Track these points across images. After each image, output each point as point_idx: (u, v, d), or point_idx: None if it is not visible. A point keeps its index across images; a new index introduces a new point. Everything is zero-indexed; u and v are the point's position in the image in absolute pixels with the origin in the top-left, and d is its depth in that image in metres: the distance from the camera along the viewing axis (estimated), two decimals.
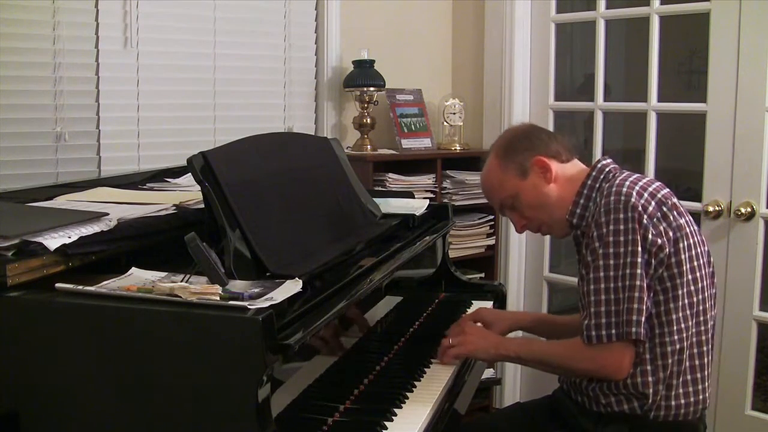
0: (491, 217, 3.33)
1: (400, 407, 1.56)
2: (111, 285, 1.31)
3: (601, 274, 1.63)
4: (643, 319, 1.61)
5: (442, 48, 3.58)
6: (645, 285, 1.62)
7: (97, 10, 2.55)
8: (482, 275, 3.32)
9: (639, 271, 1.61)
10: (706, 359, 1.72)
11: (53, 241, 1.35)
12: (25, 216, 1.53)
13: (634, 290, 1.61)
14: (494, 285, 2.48)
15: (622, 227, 1.62)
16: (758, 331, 2.73)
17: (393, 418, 1.51)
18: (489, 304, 2.34)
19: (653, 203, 1.66)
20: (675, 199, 1.73)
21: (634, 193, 1.64)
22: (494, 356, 1.81)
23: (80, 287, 1.29)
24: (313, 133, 3.12)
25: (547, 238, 3.37)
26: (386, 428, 1.47)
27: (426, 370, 1.78)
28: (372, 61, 3.11)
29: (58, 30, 2.47)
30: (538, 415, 1.91)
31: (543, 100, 3.34)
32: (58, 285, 1.30)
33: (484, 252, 3.34)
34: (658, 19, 2.90)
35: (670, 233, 1.65)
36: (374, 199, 2.10)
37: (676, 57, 3.94)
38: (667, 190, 1.74)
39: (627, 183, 1.68)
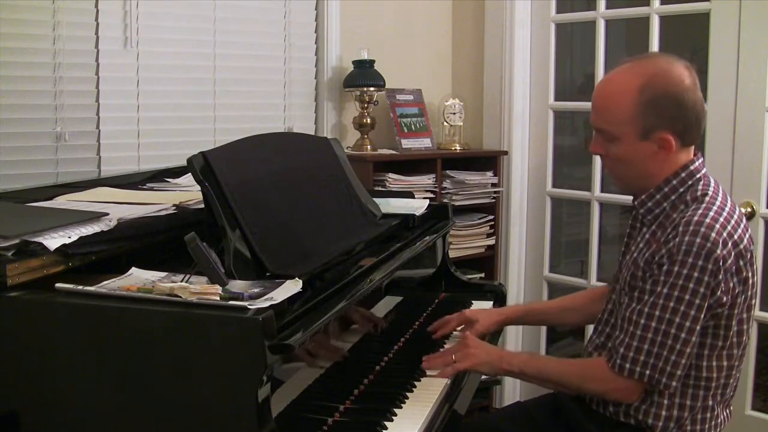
0: (491, 217, 3.33)
1: (400, 407, 1.56)
2: (111, 285, 1.31)
3: (657, 312, 1.54)
4: (683, 373, 1.57)
5: (442, 48, 3.58)
6: (696, 341, 1.56)
7: (97, 10, 2.55)
8: (482, 275, 3.32)
9: (697, 327, 1.54)
10: (721, 399, 1.67)
11: (53, 241, 1.35)
12: (25, 216, 1.53)
13: (687, 345, 1.54)
14: (494, 285, 2.47)
15: (696, 275, 1.52)
16: (758, 331, 2.73)
17: (393, 418, 1.51)
18: (489, 304, 2.33)
19: (733, 254, 1.55)
20: (752, 247, 1.63)
21: (720, 242, 1.53)
22: (497, 370, 1.75)
23: (80, 287, 1.29)
24: (313, 133, 3.12)
25: (547, 237, 3.38)
26: (386, 428, 1.47)
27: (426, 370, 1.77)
28: (372, 61, 3.11)
29: (58, 30, 2.47)
30: (539, 414, 1.90)
31: (543, 100, 3.34)
32: (58, 285, 1.30)
33: (484, 252, 3.34)
34: (658, 19, 2.90)
35: (737, 290, 1.57)
36: (374, 199, 2.10)
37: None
38: (749, 234, 1.64)
39: (716, 226, 1.54)
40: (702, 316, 1.55)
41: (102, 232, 1.45)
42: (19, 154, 2.44)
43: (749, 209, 2.67)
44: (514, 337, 3.43)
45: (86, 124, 2.58)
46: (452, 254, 2.84)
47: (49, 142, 2.49)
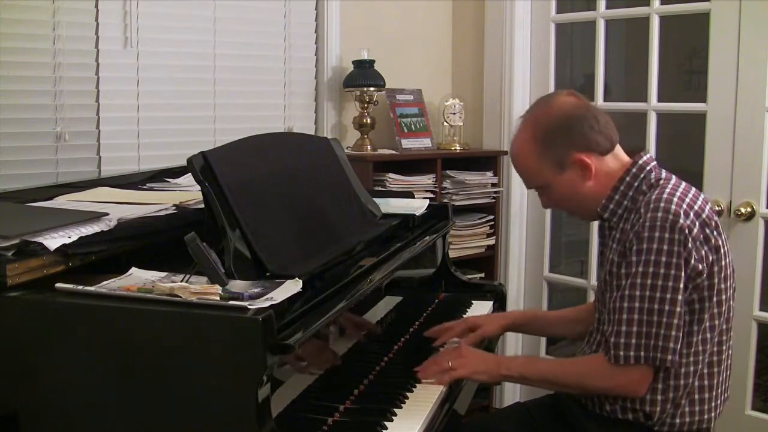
0: (491, 217, 3.33)
1: (400, 407, 1.56)
2: (111, 285, 1.31)
3: (637, 292, 1.57)
4: (678, 346, 1.57)
5: (442, 48, 3.58)
6: (683, 311, 1.57)
7: (97, 10, 2.55)
8: (482, 275, 3.32)
9: (679, 297, 1.56)
10: (716, 380, 1.68)
11: (53, 241, 1.35)
12: (25, 216, 1.53)
13: (673, 316, 1.55)
14: (494, 285, 2.47)
15: (665, 247, 1.55)
16: (758, 331, 2.73)
17: (393, 418, 1.51)
18: (489, 304, 2.34)
19: (698, 224, 1.59)
20: (716, 217, 1.67)
21: (682, 213, 1.57)
22: (496, 377, 1.74)
23: (80, 287, 1.29)
24: (313, 133, 3.12)
25: (547, 237, 3.38)
26: (386, 428, 1.47)
27: None
28: (372, 61, 3.11)
29: (58, 30, 2.47)
30: (539, 414, 1.90)
31: None
32: (58, 285, 1.30)
33: (484, 252, 3.34)
34: (658, 19, 2.90)
35: (710, 257, 1.60)
36: (374, 199, 2.10)
37: (676, 57, 3.94)
38: (709, 206, 1.68)
39: (674, 200, 1.60)
40: (681, 286, 1.56)
41: (102, 232, 1.45)
42: (19, 154, 2.44)
43: (749, 209, 2.67)
44: (514, 337, 3.43)
45: (86, 124, 2.58)
46: (452, 254, 2.84)
47: (49, 142, 2.49)
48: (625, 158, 1.76)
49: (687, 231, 1.57)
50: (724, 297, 1.65)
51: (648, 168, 1.72)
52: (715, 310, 1.64)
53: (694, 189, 1.71)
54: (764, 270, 2.73)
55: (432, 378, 1.70)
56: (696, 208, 1.63)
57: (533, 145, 1.72)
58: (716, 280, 1.62)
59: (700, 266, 1.58)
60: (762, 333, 2.76)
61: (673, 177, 1.73)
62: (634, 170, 1.72)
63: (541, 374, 1.72)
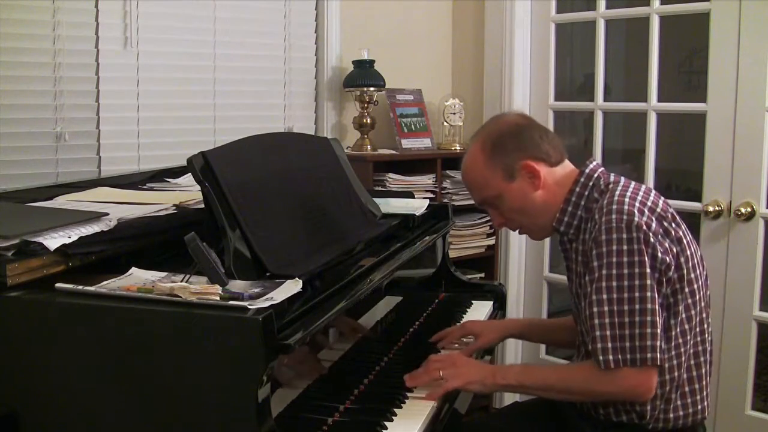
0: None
1: (400, 407, 1.56)
2: (111, 285, 1.31)
3: (604, 296, 1.55)
4: (659, 343, 1.55)
5: (442, 48, 3.58)
6: (657, 307, 1.55)
7: (97, 10, 2.55)
8: (482, 275, 3.32)
9: (649, 294, 1.54)
10: (704, 369, 1.68)
11: (53, 241, 1.35)
12: (25, 216, 1.53)
13: (645, 314, 1.54)
14: (494, 285, 2.47)
15: (626, 247, 1.54)
16: (758, 331, 2.73)
17: (393, 418, 1.51)
18: (489, 304, 2.34)
19: (654, 219, 1.59)
20: (671, 209, 1.67)
21: (636, 211, 1.57)
22: (491, 387, 1.69)
23: (80, 287, 1.29)
24: (313, 133, 3.12)
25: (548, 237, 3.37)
26: (386, 428, 1.47)
27: None
28: (372, 61, 3.11)
29: (58, 30, 2.47)
30: (537, 415, 1.90)
31: (543, 100, 3.34)
32: (58, 285, 1.30)
33: (484, 252, 3.34)
34: (658, 19, 2.90)
35: (674, 248, 1.60)
36: (374, 199, 2.10)
37: (676, 57, 3.94)
38: (662, 200, 1.68)
39: (626, 200, 1.60)
40: (649, 283, 1.55)
41: (102, 232, 1.45)
42: (19, 154, 2.44)
43: (749, 209, 2.67)
44: (514, 342, 3.42)
45: (86, 124, 2.58)
46: (452, 254, 2.83)
47: (49, 142, 2.49)
48: (574, 169, 1.76)
49: (645, 227, 1.56)
50: (696, 286, 1.65)
51: (596, 175, 1.72)
52: (689, 301, 1.63)
53: (644, 186, 1.71)
54: (764, 270, 2.72)
55: (422, 386, 1.65)
56: (649, 204, 1.63)
57: (482, 155, 1.72)
58: (685, 271, 1.62)
59: (668, 258, 1.58)
60: (762, 333, 2.76)
61: (622, 179, 1.73)
62: (582, 180, 1.72)
63: (539, 381, 1.67)
